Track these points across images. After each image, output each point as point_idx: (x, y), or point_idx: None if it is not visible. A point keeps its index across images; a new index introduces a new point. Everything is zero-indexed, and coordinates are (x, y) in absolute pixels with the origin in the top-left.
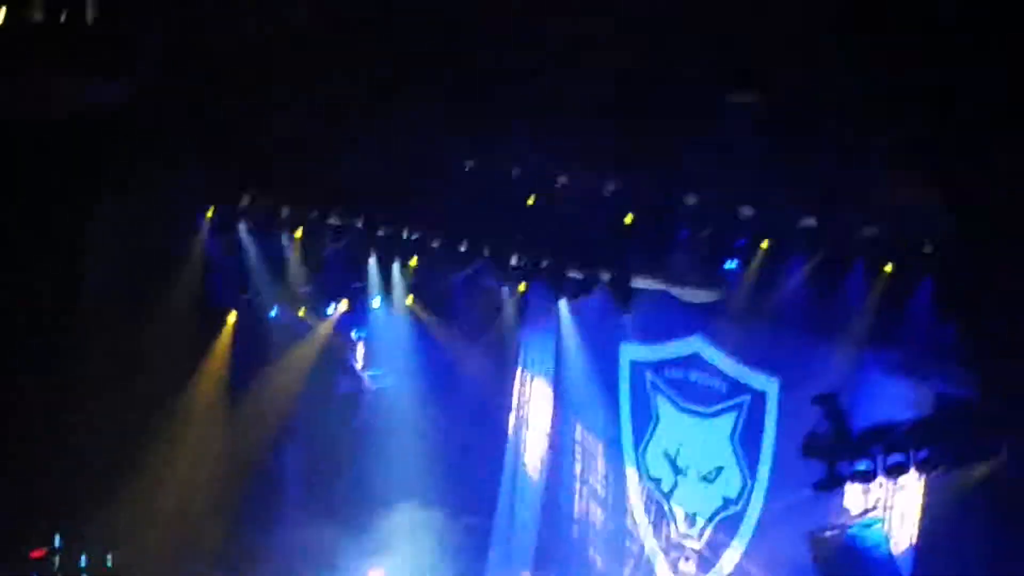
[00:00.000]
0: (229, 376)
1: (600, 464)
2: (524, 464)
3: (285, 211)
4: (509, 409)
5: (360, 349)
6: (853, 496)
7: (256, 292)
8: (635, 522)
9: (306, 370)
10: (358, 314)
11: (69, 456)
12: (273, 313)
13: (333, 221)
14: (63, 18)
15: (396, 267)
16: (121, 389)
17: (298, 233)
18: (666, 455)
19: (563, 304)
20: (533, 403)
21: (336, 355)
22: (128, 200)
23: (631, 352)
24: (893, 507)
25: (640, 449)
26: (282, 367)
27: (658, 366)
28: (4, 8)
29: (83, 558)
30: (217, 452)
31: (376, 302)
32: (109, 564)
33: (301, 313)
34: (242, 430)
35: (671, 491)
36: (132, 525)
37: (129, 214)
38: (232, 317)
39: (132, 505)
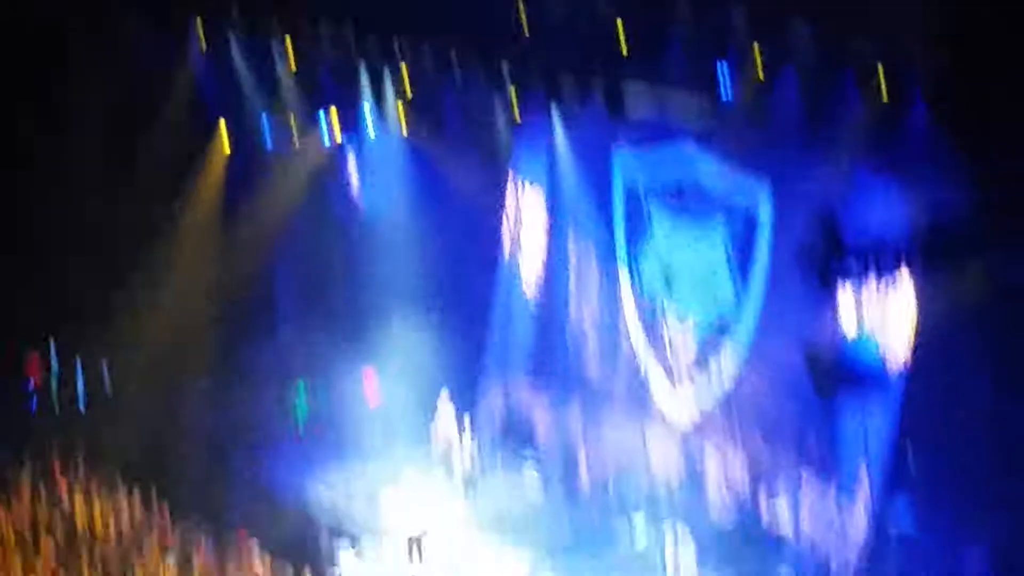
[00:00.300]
0: (223, 192)
1: (594, 273)
2: (518, 273)
3: (275, 22)
4: (503, 219)
5: (353, 169)
6: (846, 304)
7: (247, 107)
8: (629, 329)
9: (300, 184)
10: (350, 126)
11: (66, 270)
12: (265, 127)
13: (323, 29)
14: None
15: (387, 78)
16: (115, 205)
17: (289, 44)
18: (659, 262)
19: (556, 112)
20: (527, 212)
21: (329, 168)
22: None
23: (624, 159)
24: (885, 315)
25: (633, 258)
26: (276, 181)
27: (652, 174)
28: None
29: (80, 380)
30: (212, 266)
31: (368, 114)
32: (106, 381)
33: (293, 126)
34: (237, 244)
35: (664, 300)
36: (128, 340)
37: (116, 29)
38: (224, 131)
39: (128, 320)
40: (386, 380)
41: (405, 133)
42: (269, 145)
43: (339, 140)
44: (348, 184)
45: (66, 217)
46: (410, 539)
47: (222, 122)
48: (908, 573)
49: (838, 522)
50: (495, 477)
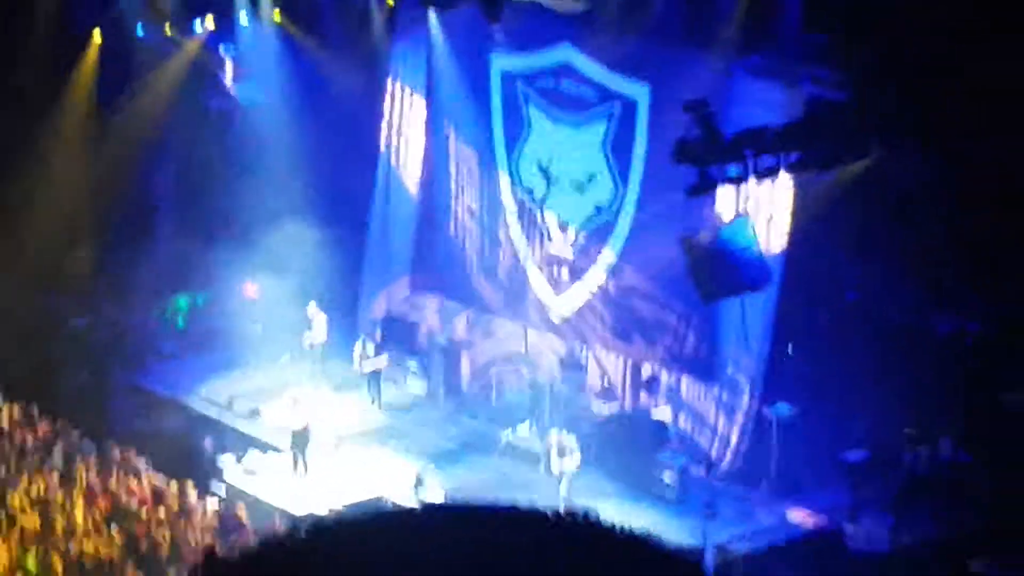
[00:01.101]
0: (96, 97)
1: (474, 175)
2: (398, 175)
3: None
4: (381, 122)
5: (229, 66)
6: (725, 201)
7: (120, 10)
8: (509, 232)
9: (175, 88)
10: (225, 30)
11: None
12: (139, 31)
13: None
14: None
15: None
16: None
17: None
18: (538, 165)
19: (432, 15)
20: (406, 115)
21: (205, 72)
22: None
23: (502, 63)
24: (764, 210)
25: (513, 159)
26: (150, 86)
27: (529, 76)
28: None
29: None
30: (85, 175)
31: (244, 17)
32: None
33: (167, 30)
34: (110, 152)
35: (543, 200)
36: (4, 247)
37: None
38: (97, 37)
39: (3, 226)
40: (266, 291)
41: (281, 35)
42: (142, 48)
43: (214, 43)
44: (224, 87)
45: None
46: (293, 432)
47: (94, 34)
48: (786, 458)
49: (718, 411)
50: (378, 384)
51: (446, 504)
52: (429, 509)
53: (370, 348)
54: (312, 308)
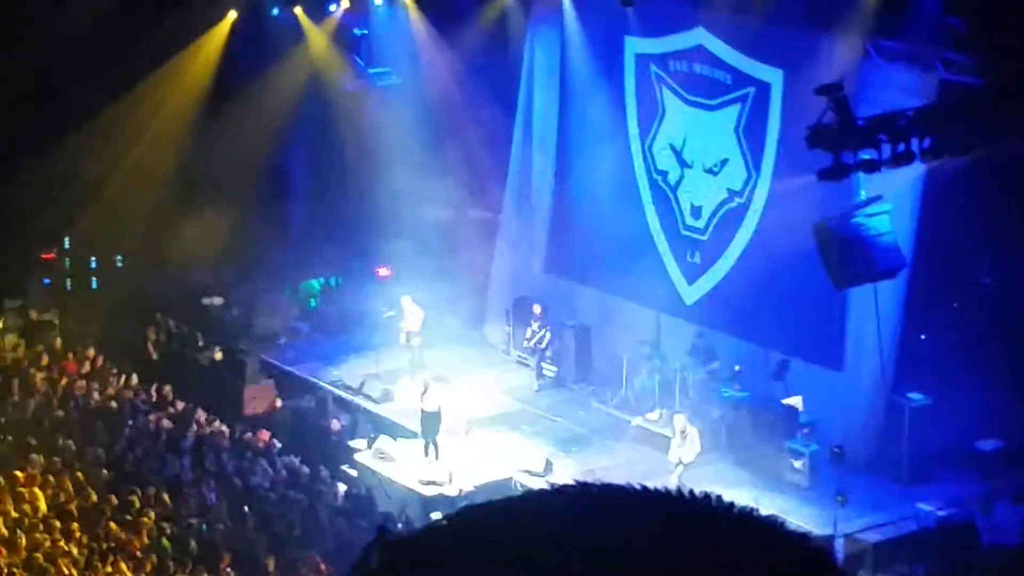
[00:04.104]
0: (226, 76)
1: (608, 158)
2: (533, 158)
3: None
4: (515, 105)
5: (363, 48)
6: (858, 186)
7: None
8: (644, 216)
9: (309, 69)
10: (360, 11)
11: (73, 163)
12: (275, 11)
13: None
14: None
15: None
16: (115, 96)
17: None
18: (672, 148)
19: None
20: (540, 98)
21: (339, 54)
22: None
23: (635, 46)
24: (897, 195)
25: (647, 143)
26: (284, 66)
27: (662, 59)
28: None
29: (92, 260)
30: (217, 151)
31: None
32: (119, 264)
33: (298, 11)
34: (243, 130)
35: (677, 184)
36: (137, 227)
37: None
38: (231, 15)
39: (137, 208)
40: (401, 276)
41: (416, 17)
42: (276, 28)
43: (349, 24)
44: (358, 69)
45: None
46: (424, 414)
47: (229, 12)
48: (918, 447)
49: (849, 398)
50: (509, 371)
51: (577, 484)
52: (562, 489)
53: (535, 324)
54: (407, 301)
